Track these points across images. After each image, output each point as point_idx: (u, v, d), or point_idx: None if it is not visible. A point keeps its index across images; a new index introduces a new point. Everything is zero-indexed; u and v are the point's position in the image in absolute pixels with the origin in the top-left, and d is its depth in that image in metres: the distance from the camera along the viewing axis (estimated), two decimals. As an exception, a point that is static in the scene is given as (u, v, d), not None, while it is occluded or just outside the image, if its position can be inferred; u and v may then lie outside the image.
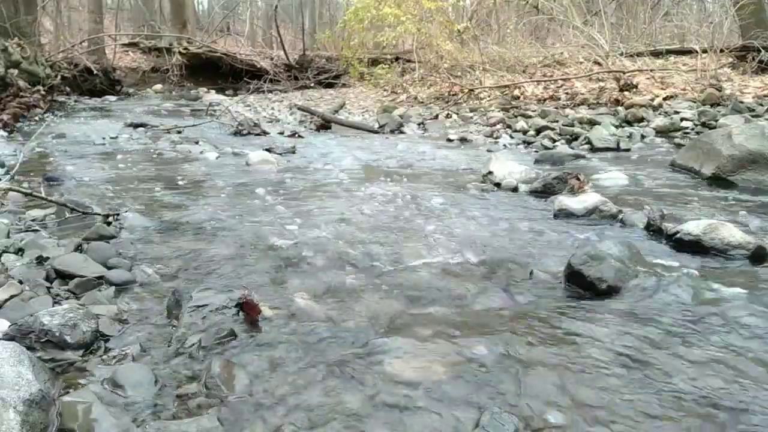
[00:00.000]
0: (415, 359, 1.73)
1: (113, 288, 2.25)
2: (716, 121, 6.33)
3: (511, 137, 6.83)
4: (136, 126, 7.62)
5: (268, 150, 5.64)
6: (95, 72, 12.09)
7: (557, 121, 7.09)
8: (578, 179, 3.75)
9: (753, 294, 2.17)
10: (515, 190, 4.01)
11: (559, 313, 2.06)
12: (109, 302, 2.12)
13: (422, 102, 10.07)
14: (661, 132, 6.43)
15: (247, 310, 1.95)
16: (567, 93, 8.82)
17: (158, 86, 14.40)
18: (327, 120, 8.30)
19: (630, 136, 6.31)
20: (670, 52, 10.31)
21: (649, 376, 1.64)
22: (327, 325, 1.96)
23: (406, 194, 3.91)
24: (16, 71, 8.76)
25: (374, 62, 13.71)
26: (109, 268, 2.40)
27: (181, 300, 2.05)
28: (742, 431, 1.42)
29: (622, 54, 9.63)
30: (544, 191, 3.83)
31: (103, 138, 6.54)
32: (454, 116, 8.57)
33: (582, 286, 2.24)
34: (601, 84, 8.64)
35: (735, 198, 3.73)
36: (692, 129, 6.39)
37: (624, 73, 8.53)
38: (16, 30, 10.22)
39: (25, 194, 3.42)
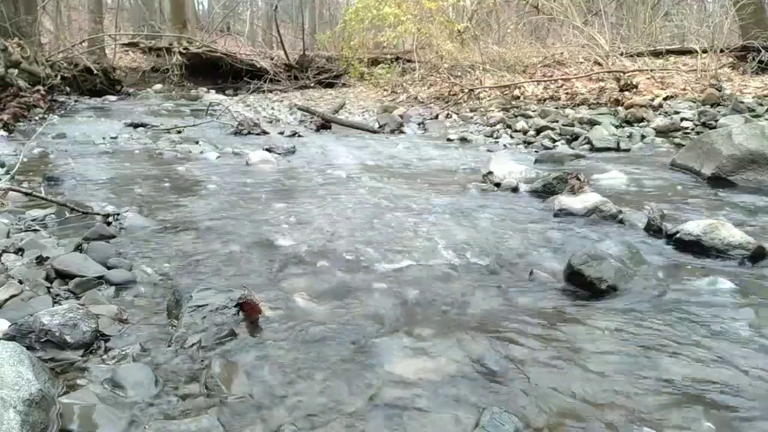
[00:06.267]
0: (415, 359, 1.73)
1: (113, 288, 2.25)
2: (716, 121, 6.34)
3: (511, 137, 6.83)
4: (136, 126, 7.62)
5: (268, 150, 5.64)
6: (95, 72, 12.08)
7: (557, 121, 7.09)
8: (578, 179, 3.75)
9: (753, 294, 2.17)
10: (515, 190, 4.01)
11: (559, 312, 2.06)
12: (109, 302, 2.12)
13: (422, 102, 10.07)
14: (661, 132, 6.43)
15: (247, 310, 1.95)
16: (567, 93, 8.82)
17: (158, 86, 14.38)
18: (327, 120, 8.30)
19: (630, 136, 6.31)
20: (670, 52, 10.30)
21: (649, 375, 1.64)
22: (327, 325, 1.96)
23: (406, 194, 3.91)
24: (16, 71, 8.76)
25: (374, 62, 13.72)
26: (109, 267, 2.40)
27: (181, 300, 2.04)
28: (738, 427, 1.42)
29: (622, 54, 9.63)
30: (544, 191, 3.83)
31: (103, 138, 6.54)
32: (454, 116, 8.57)
33: (582, 285, 2.24)
34: (601, 84, 8.63)
35: (735, 198, 3.73)
36: (692, 129, 6.40)
37: (624, 73, 8.53)
38: (16, 30, 10.22)
39: (25, 194, 3.42)
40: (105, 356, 1.76)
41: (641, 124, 6.82)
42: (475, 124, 7.98)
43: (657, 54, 10.17)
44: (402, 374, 1.65)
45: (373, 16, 12.61)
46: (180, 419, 1.44)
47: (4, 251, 2.52)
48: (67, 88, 11.25)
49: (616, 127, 6.76)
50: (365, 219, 3.29)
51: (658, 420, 1.45)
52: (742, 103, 7.00)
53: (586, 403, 1.52)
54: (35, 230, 2.93)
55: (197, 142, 6.37)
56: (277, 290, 2.25)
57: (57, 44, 13.88)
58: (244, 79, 13.92)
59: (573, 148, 5.93)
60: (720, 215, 3.23)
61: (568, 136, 6.43)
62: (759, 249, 2.53)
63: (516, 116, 7.80)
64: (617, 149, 5.85)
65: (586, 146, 5.99)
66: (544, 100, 8.83)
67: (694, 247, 2.64)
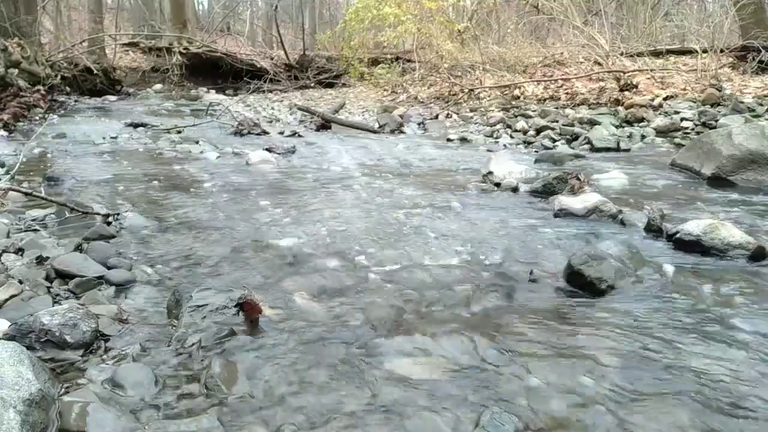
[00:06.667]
0: (415, 359, 1.73)
1: (113, 288, 2.25)
2: (716, 121, 6.33)
3: (511, 137, 6.83)
4: (136, 126, 7.61)
5: (268, 150, 5.64)
6: (95, 72, 12.07)
7: (557, 121, 7.09)
8: (578, 179, 3.75)
9: (753, 294, 2.17)
10: (515, 190, 4.01)
11: (559, 312, 2.06)
12: (109, 302, 2.12)
13: (422, 102, 10.07)
14: (661, 132, 6.43)
15: (247, 310, 1.95)
16: (567, 93, 8.82)
17: (158, 86, 14.37)
18: (327, 120, 8.30)
19: (630, 136, 6.31)
20: (670, 52, 10.30)
21: (649, 376, 1.64)
22: (327, 325, 1.96)
23: (406, 194, 3.91)
24: (16, 71, 8.76)
25: (374, 62, 13.72)
26: (109, 267, 2.40)
27: (181, 300, 2.04)
28: (737, 426, 1.42)
29: (622, 54, 9.62)
30: (544, 191, 3.83)
31: (103, 138, 6.53)
32: (454, 116, 8.57)
33: (582, 285, 2.24)
34: (602, 84, 8.63)
35: (735, 198, 3.73)
36: (692, 129, 6.39)
37: (624, 73, 8.52)
38: (16, 30, 10.21)
39: (25, 194, 3.42)
40: (105, 356, 1.76)
41: (641, 124, 6.82)
42: (475, 124, 7.98)
43: (657, 54, 10.17)
44: (402, 374, 1.65)
45: (373, 16, 12.61)
46: (180, 419, 1.44)
47: (4, 251, 2.52)
48: (67, 88, 11.24)
49: (616, 127, 6.76)
50: (365, 219, 3.29)
51: (658, 419, 1.45)
52: (742, 103, 6.99)
53: (587, 402, 1.52)
54: (35, 230, 2.93)
55: (197, 142, 6.37)
56: (277, 290, 2.25)
57: (57, 44, 13.87)
58: (244, 79, 13.90)
59: (573, 148, 5.93)
60: (720, 215, 3.23)
61: (568, 136, 6.43)
62: (759, 249, 2.53)
63: (516, 116, 7.80)
64: (617, 149, 5.85)
65: (586, 146, 5.98)
66: (544, 100, 8.83)
67: (694, 247, 2.64)
